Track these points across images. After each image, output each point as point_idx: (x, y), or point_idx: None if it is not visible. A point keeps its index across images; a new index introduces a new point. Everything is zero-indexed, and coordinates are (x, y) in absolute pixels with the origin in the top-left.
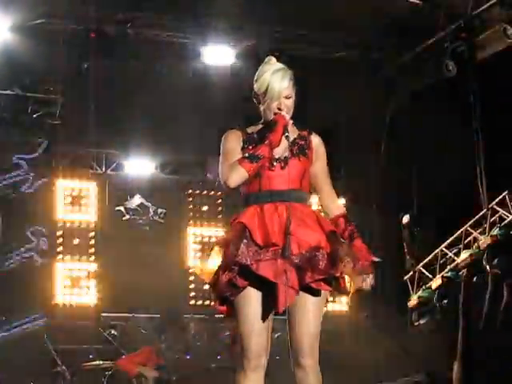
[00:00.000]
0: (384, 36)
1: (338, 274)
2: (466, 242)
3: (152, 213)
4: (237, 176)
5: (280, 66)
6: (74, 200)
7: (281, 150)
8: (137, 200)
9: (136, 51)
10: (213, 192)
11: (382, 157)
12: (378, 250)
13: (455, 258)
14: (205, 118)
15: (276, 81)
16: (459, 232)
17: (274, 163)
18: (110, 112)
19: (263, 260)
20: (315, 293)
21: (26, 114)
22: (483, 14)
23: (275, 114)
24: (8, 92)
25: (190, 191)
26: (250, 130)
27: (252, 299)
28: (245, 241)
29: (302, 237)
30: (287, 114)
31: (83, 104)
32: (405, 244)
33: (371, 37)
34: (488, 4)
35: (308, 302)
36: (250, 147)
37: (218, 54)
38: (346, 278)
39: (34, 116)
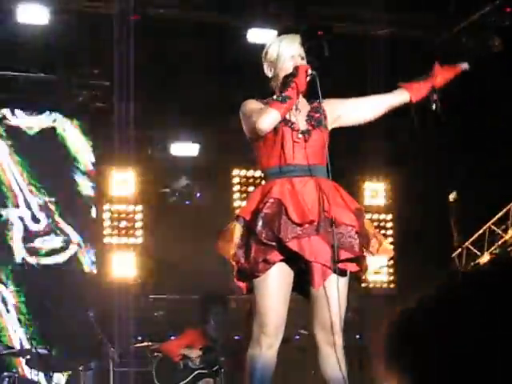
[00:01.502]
0: (425, 11)
1: (367, 255)
2: None
3: (198, 194)
4: (268, 117)
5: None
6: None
7: (302, 125)
8: (183, 181)
9: (177, 32)
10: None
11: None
12: (425, 226)
13: (503, 234)
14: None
15: (287, 43)
16: (507, 208)
17: (299, 135)
18: (153, 94)
19: (299, 237)
20: (344, 272)
21: (69, 98)
22: None
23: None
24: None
25: (236, 172)
26: (266, 100)
27: (277, 276)
28: (284, 217)
29: (336, 215)
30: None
31: (127, 87)
32: (452, 221)
33: (411, 13)
34: None
35: (339, 281)
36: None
37: None
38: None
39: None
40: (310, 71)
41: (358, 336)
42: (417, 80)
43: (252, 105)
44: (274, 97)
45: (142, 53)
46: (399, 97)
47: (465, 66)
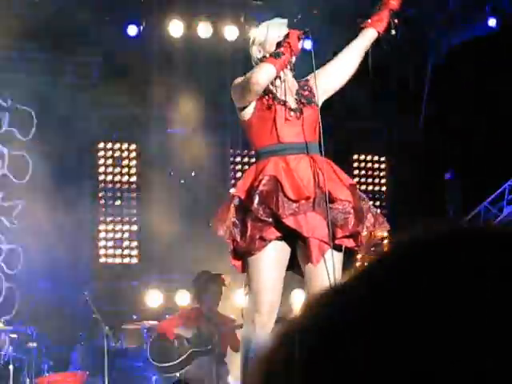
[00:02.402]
0: None
1: (363, 232)
2: (509, 197)
3: (194, 173)
4: (263, 70)
5: None
6: (114, 162)
7: (292, 103)
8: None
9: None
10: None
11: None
12: (420, 205)
13: (499, 213)
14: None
15: (274, 26)
16: (503, 187)
17: (291, 113)
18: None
19: (296, 214)
20: (339, 248)
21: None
22: None
23: None
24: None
25: (231, 151)
26: None
27: (272, 255)
28: (281, 194)
29: (332, 191)
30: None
31: (121, 66)
32: (448, 200)
33: None
34: None
35: (335, 256)
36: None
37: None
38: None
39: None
40: (301, 35)
41: None
42: (374, 13)
43: (242, 77)
44: (267, 55)
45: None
46: (367, 37)
47: None
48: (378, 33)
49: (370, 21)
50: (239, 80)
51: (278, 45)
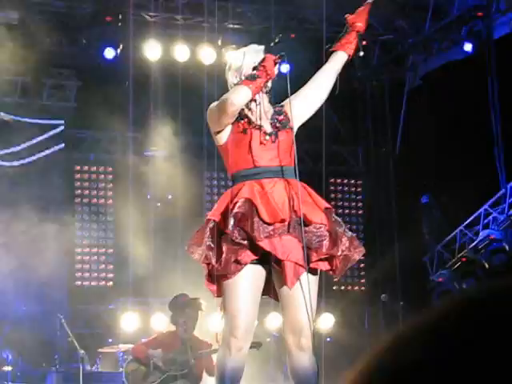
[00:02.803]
0: (399, 16)
1: (338, 254)
2: (485, 221)
3: (169, 196)
4: (239, 93)
5: None
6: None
7: (268, 128)
8: (156, 184)
9: (154, 36)
10: None
11: (400, 137)
12: (397, 230)
13: (474, 237)
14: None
15: (252, 50)
16: (478, 212)
17: (267, 137)
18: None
19: (271, 237)
20: (314, 272)
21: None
22: None
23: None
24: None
25: (207, 174)
26: None
27: (248, 278)
28: (256, 217)
29: (307, 214)
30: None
31: (98, 88)
32: (424, 224)
33: (384, 16)
34: None
35: (309, 280)
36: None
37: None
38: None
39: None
40: (277, 59)
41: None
42: (342, 36)
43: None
44: (243, 77)
45: (118, 55)
46: (338, 60)
47: None
48: (349, 55)
49: (339, 44)
50: (215, 104)
51: (254, 69)
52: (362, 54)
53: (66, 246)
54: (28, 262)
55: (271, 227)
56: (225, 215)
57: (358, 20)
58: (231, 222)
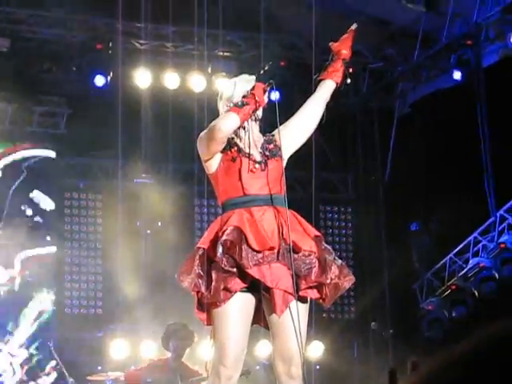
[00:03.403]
0: (388, 44)
1: (327, 282)
2: (474, 249)
3: (159, 223)
4: (227, 119)
5: None
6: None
7: (258, 156)
8: (144, 209)
9: (143, 63)
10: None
11: (390, 165)
12: (386, 257)
13: (464, 265)
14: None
15: (242, 82)
16: (468, 240)
17: (256, 165)
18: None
19: (260, 264)
20: (303, 300)
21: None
22: (489, 22)
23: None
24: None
25: (197, 202)
26: None
27: (237, 306)
28: (245, 244)
29: (297, 242)
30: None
31: (89, 115)
32: (413, 252)
33: (373, 44)
34: (494, 11)
35: (299, 308)
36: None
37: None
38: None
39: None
40: (267, 87)
41: None
42: (328, 65)
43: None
44: (231, 104)
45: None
46: (326, 88)
47: (354, 25)
48: (336, 83)
49: (326, 72)
50: (204, 131)
51: (244, 97)
52: (348, 81)
53: (54, 274)
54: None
55: (260, 255)
56: (214, 243)
57: (343, 47)
58: (220, 249)
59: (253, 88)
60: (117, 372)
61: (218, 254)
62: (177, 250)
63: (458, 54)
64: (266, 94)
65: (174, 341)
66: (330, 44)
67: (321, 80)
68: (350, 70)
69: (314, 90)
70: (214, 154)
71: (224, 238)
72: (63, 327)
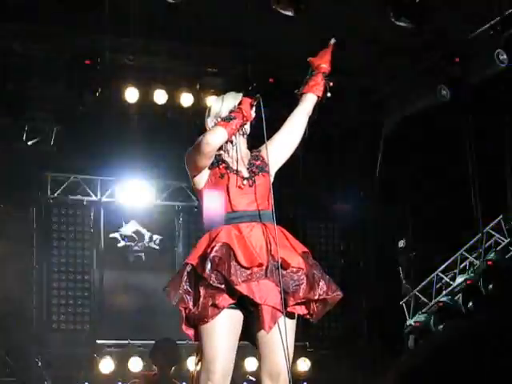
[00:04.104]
0: (375, 60)
1: (315, 298)
2: (461, 266)
3: (147, 239)
4: (214, 134)
5: None
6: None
7: (245, 172)
8: (132, 226)
9: (132, 79)
10: None
11: (377, 182)
12: (374, 274)
13: (451, 282)
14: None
15: (229, 99)
16: (455, 257)
17: (244, 182)
18: (104, 139)
19: (248, 281)
20: (291, 316)
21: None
22: (477, 39)
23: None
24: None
25: (185, 217)
26: None
27: (225, 323)
28: (233, 261)
29: (285, 258)
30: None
31: (78, 131)
32: (401, 269)
33: (361, 61)
34: (481, 29)
35: (287, 325)
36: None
37: None
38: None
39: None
40: (254, 102)
41: None
42: (308, 79)
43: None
44: (219, 119)
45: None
46: (308, 102)
47: (333, 40)
48: (318, 96)
49: (307, 86)
50: (191, 149)
51: (231, 112)
52: (329, 95)
53: (42, 289)
54: (2, 306)
55: (249, 271)
56: (202, 259)
57: (322, 62)
58: (208, 265)
59: (240, 102)
60: None
61: (207, 271)
62: (164, 266)
63: (446, 72)
64: (254, 108)
65: (161, 357)
66: (309, 59)
67: (302, 94)
68: (331, 84)
69: (296, 105)
70: (202, 169)
71: (213, 254)
72: (50, 343)
